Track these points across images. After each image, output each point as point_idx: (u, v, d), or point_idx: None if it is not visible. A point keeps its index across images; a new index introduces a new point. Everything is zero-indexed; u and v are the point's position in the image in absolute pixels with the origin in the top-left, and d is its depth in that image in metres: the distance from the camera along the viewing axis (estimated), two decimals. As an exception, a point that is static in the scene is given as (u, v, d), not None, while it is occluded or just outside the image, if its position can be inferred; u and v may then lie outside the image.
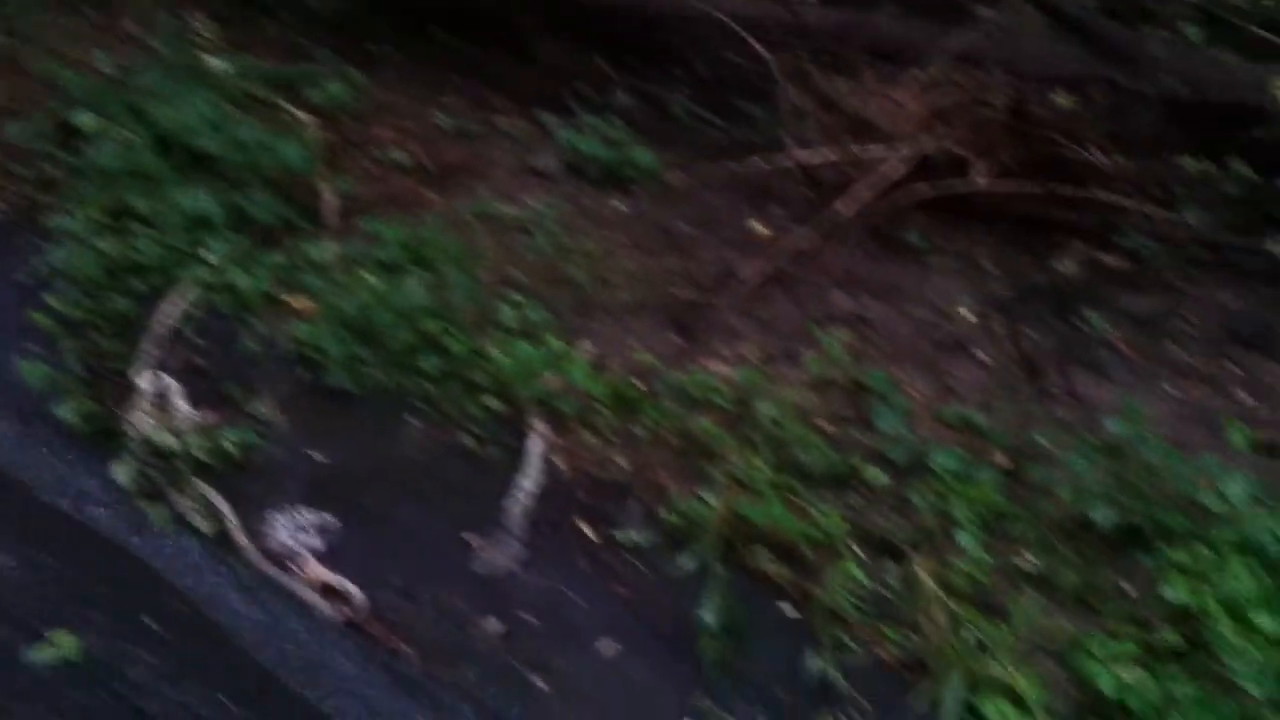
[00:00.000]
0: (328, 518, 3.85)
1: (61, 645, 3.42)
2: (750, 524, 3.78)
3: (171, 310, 4.40)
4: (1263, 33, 5.15)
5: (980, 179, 5.11)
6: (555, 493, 3.97)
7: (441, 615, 3.64)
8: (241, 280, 4.49)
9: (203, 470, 3.97)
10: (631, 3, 6.53)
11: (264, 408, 4.16)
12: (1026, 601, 3.60)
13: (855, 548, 3.76)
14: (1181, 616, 3.48)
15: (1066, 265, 5.10)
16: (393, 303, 4.32)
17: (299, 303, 4.47)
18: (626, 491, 3.98)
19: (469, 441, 4.10)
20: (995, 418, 4.29)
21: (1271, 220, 4.86)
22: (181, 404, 4.11)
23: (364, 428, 4.13)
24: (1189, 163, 4.82)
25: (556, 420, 4.16)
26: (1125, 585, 3.68)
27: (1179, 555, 3.59)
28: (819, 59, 5.49)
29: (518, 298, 4.57)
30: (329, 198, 5.00)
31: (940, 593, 3.57)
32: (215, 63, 5.56)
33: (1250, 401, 4.52)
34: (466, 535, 3.83)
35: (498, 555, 3.79)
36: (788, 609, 3.68)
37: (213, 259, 4.56)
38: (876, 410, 4.25)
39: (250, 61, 5.64)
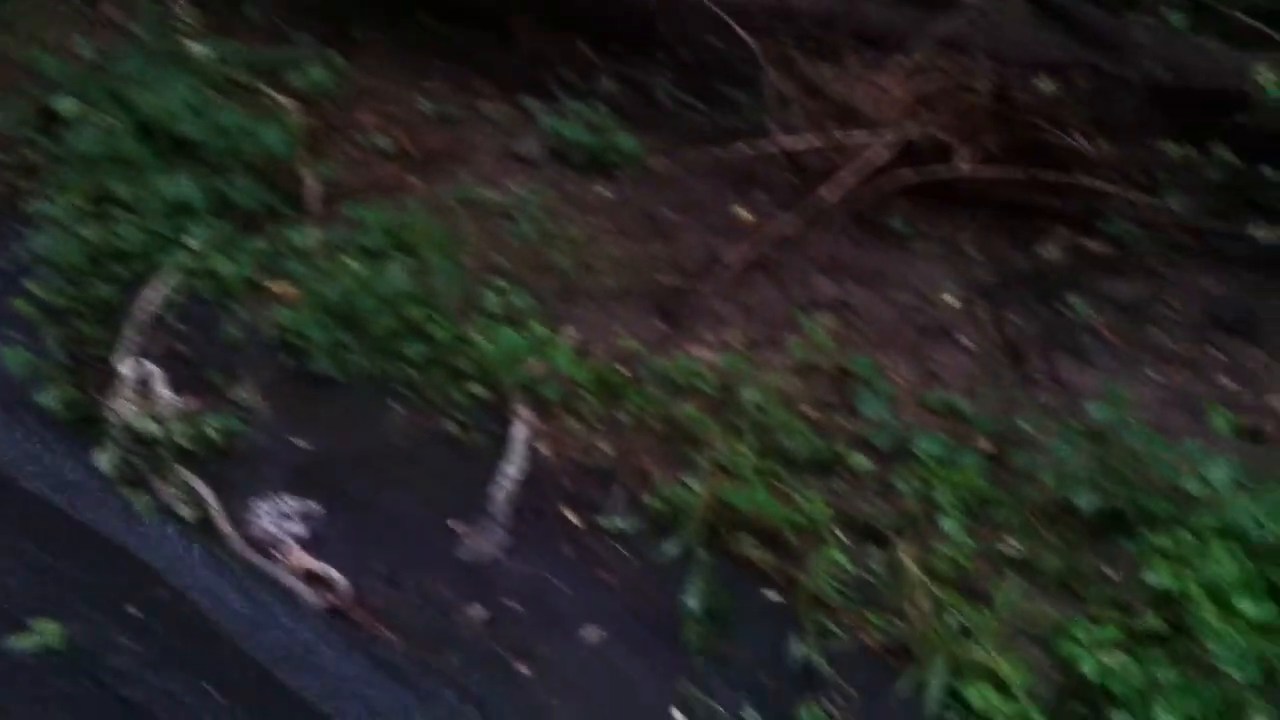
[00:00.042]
0: (311, 504, 3.84)
1: (44, 633, 3.41)
2: (735, 510, 3.78)
3: (153, 296, 4.38)
4: (1246, 19, 5.15)
5: (964, 165, 5.11)
6: (540, 479, 3.96)
7: (426, 602, 3.63)
8: (224, 266, 4.47)
9: (185, 457, 3.95)
10: (615, -13, 6.51)
11: (247, 394, 4.15)
12: (1010, 586, 3.61)
13: (839, 533, 3.77)
14: (1164, 601, 3.49)
15: (1050, 251, 5.11)
16: (376, 289, 4.31)
17: (281, 289, 4.45)
18: (611, 478, 3.98)
19: (453, 428, 4.10)
20: (979, 403, 4.30)
21: (1254, 205, 4.87)
22: (164, 390, 4.10)
23: (347, 414, 4.12)
24: (1172, 148, 4.82)
25: (541, 406, 4.16)
26: (1108, 570, 3.70)
27: (1161, 540, 3.61)
28: (804, 44, 5.47)
29: (502, 284, 4.56)
30: (311, 183, 4.97)
31: (924, 578, 3.58)
32: (196, 48, 5.52)
33: (1233, 386, 4.54)
34: (451, 522, 3.82)
35: (482, 542, 3.78)
36: (772, 595, 3.69)
37: (195, 245, 4.54)
38: (861, 396, 4.26)
39: (232, 46, 5.60)
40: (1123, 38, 5.41)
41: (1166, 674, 3.30)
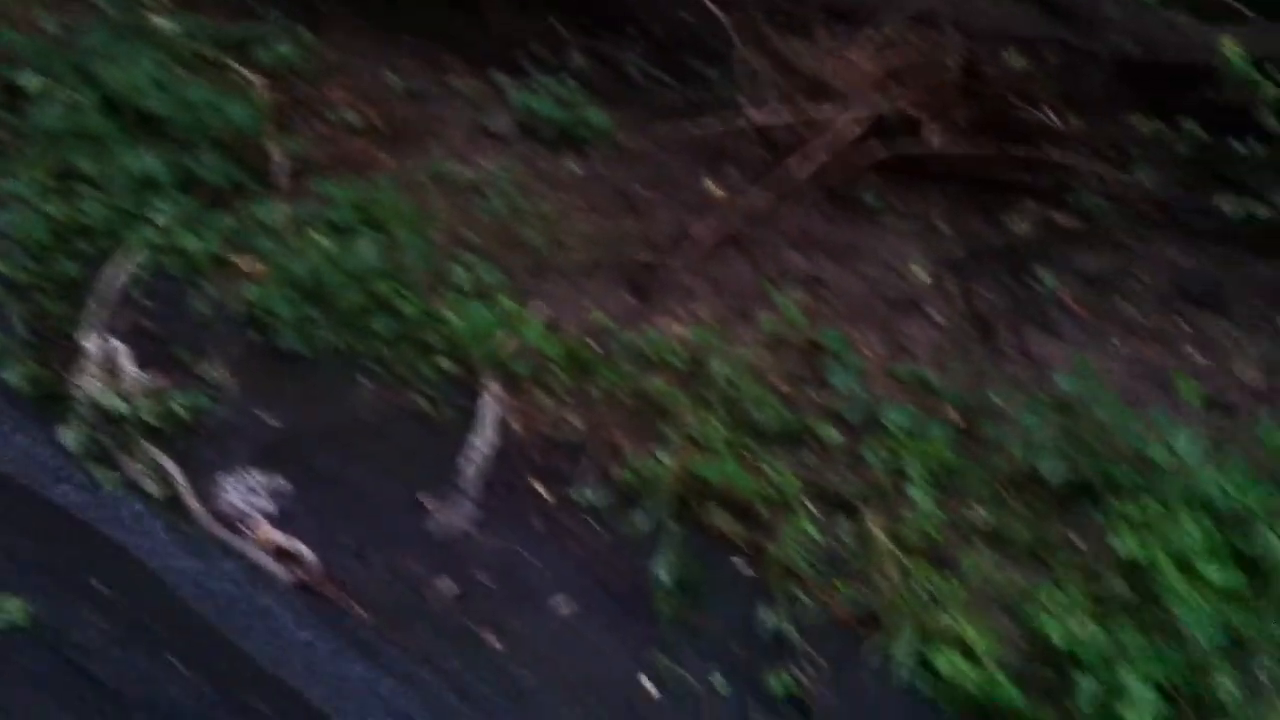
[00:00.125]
0: (280, 480, 3.82)
1: (9, 610, 3.39)
2: (705, 482, 3.79)
3: (119, 273, 4.34)
4: (1214, -7, 5.17)
5: (934, 139, 5.11)
6: (509, 453, 3.96)
7: (395, 576, 3.62)
8: (190, 242, 4.44)
9: (152, 434, 3.93)
10: (585, -37, 6.48)
11: (214, 370, 4.12)
12: (977, 555, 3.63)
13: (809, 504, 3.79)
14: (1131, 569, 3.52)
15: (1019, 224, 5.12)
16: (344, 264, 4.29)
17: (249, 265, 4.42)
18: (581, 451, 3.98)
19: (422, 403, 4.09)
20: (948, 375, 4.32)
21: (1222, 179, 4.88)
22: (130, 367, 4.06)
23: (316, 390, 4.10)
24: (1140, 122, 4.82)
25: (510, 381, 4.15)
26: (1075, 538, 3.72)
27: (1128, 509, 3.63)
28: (774, 19, 5.46)
29: (471, 259, 4.54)
30: (279, 159, 4.94)
31: (893, 548, 3.60)
32: (162, 22, 5.48)
33: (1200, 358, 4.56)
34: (420, 496, 3.82)
35: (452, 516, 3.78)
36: (742, 565, 3.70)
37: (161, 221, 4.51)
38: (831, 369, 4.27)
39: (198, 21, 5.56)
40: (1092, 12, 5.42)
41: (1133, 640, 3.33)
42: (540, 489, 3.88)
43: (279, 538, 3.65)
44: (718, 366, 4.14)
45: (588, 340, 4.30)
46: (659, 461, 3.83)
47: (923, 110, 5.16)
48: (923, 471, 3.85)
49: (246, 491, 3.78)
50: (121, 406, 3.95)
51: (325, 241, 4.43)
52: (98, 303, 4.24)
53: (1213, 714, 3.18)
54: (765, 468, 3.84)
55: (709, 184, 5.24)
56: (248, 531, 3.69)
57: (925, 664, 3.38)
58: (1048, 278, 4.82)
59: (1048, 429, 3.91)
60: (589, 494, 3.85)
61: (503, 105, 5.55)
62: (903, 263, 4.90)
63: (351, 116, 5.37)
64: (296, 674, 3.37)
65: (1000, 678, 3.29)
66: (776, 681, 3.38)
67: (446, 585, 3.60)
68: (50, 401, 4.03)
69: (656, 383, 4.12)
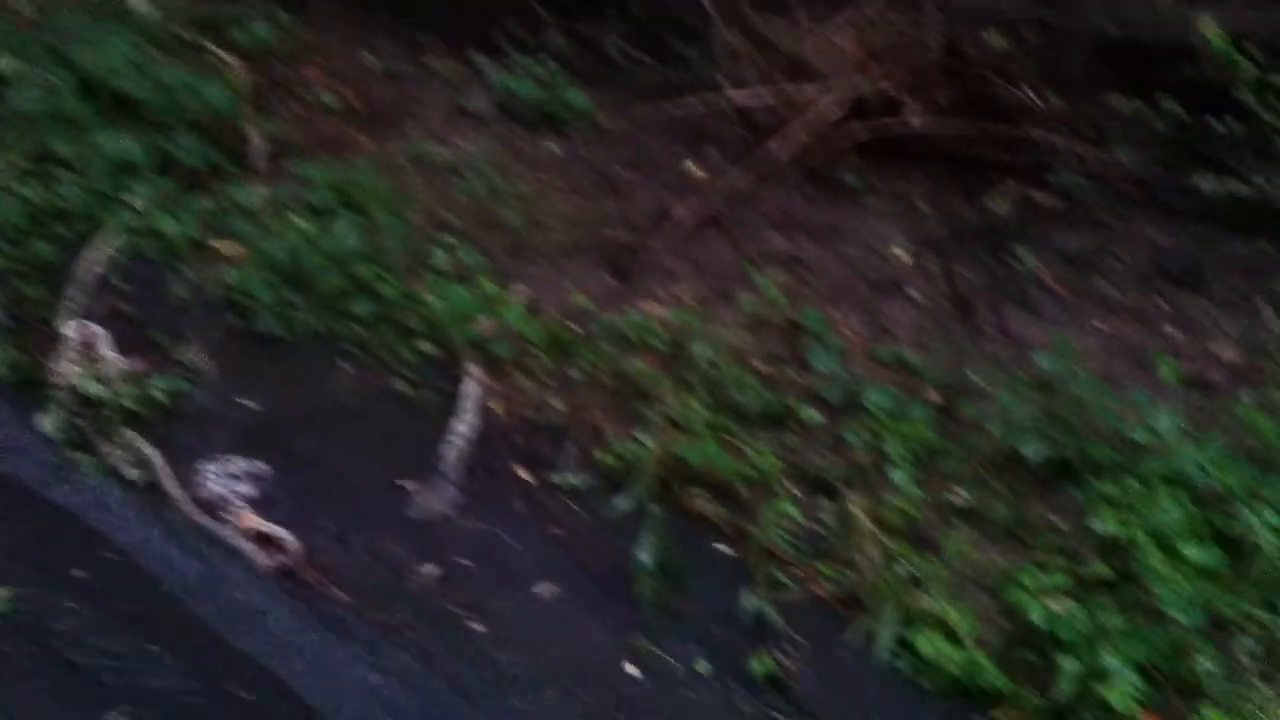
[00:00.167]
0: (260, 465, 3.80)
1: (-9, 597, 3.38)
2: (686, 464, 3.79)
3: (97, 257, 4.32)
4: (1192, -29, 5.16)
5: (914, 119, 5.11)
6: (491, 437, 3.96)
7: (377, 561, 3.62)
8: (168, 225, 4.43)
9: (132, 419, 3.91)
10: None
11: (193, 355, 4.10)
12: (959, 536, 3.64)
13: (790, 486, 3.80)
14: (1111, 548, 3.53)
15: (999, 204, 5.12)
16: (323, 247, 4.28)
17: (227, 248, 4.41)
18: (562, 434, 3.98)
19: (403, 386, 4.08)
20: (928, 356, 4.32)
21: (1200, 158, 4.88)
22: (109, 352, 4.04)
23: (296, 374, 4.10)
24: (1120, 101, 4.82)
25: (491, 364, 4.14)
26: (1055, 518, 3.73)
27: (1108, 488, 3.64)
28: (754, -2, 5.45)
29: (450, 241, 4.53)
30: (256, 141, 4.91)
31: (874, 529, 3.60)
32: (139, 4, 5.44)
33: (1179, 337, 4.58)
34: (401, 480, 3.81)
35: (433, 500, 3.77)
36: (724, 548, 3.71)
37: (138, 204, 4.50)
38: (811, 350, 4.27)
39: (174, 2, 5.52)
40: (1071, -9, 5.42)
41: (1113, 619, 3.34)
42: (522, 472, 3.88)
43: (260, 523, 3.64)
44: (699, 348, 4.14)
45: (568, 322, 4.30)
46: (640, 444, 3.83)
47: (903, 90, 5.16)
48: (903, 452, 3.86)
49: (227, 476, 3.77)
50: (100, 391, 3.93)
51: (304, 224, 4.42)
52: (76, 287, 4.22)
53: (1193, 694, 3.19)
54: (746, 449, 3.84)
55: (689, 165, 5.22)
56: (228, 517, 3.67)
57: (906, 645, 3.39)
58: (1028, 257, 4.83)
59: (1028, 408, 3.91)
60: (570, 477, 3.85)
61: (481, 86, 5.53)
62: (883, 243, 4.90)
63: (329, 98, 5.34)
64: (278, 659, 3.36)
65: (981, 658, 3.30)
66: (758, 663, 3.38)
67: (428, 569, 3.60)
68: (28, 387, 4.02)
69: (637, 365, 4.12)
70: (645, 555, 3.60)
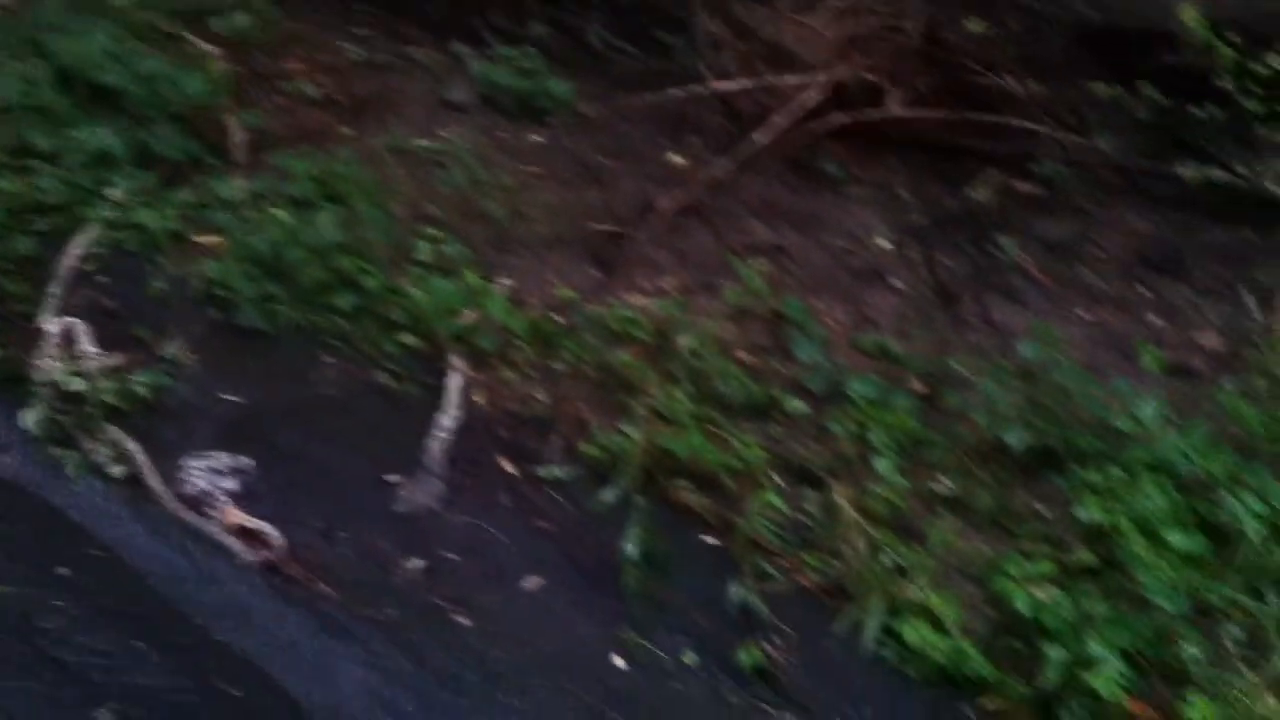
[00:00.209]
0: (243, 459, 3.78)
1: (-27, 595, 3.36)
2: (671, 456, 3.79)
3: (77, 251, 4.30)
4: (1172, -42, 5.17)
5: (895, 107, 5.12)
6: (475, 429, 3.95)
7: (362, 555, 3.60)
8: (148, 218, 4.41)
9: (114, 414, 3.88)
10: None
11: (175, 349, 4.08)
12: (943, 525, 3.65)
13: (775, 477, 3.80)
14: (1095, 536, 3.54)
15: (980, 192, 5.13)
16: (305, 239, 4.26)
17: (208, 241, 4.39)
18: (547, 427, 3.97)
19: (387, 379, 4.07)
20: (911, 345, 4.34)
21: (1181, 145, 4.90)
22: (89, 347, 4.02)
23: (278, 367, 4.08)
24: (1100, 88, 4.83)
25: (475, 356, 4.13)
26: (1040, 507, 3.75)
27: (1092, 476, 3.66)
28: (735, -14, 5.44)
29: (433, 233, 4.52)
30: (237, 132, 4.89)
31: (859, 519, 3.61)
32: (116, -6, 5.40)
33: (1160, 324, 4.60)
34: (386, 474, 3.80)
35: (418, 494, 3.76)
36: (710, 539, 3.71)
37: (118, 197, 4.47)
38: (795, 340, 4.28)
39: (153, -8, 5.48)
40: (1051, -23, 5.42)
41: (1098, 607, 3.35)
42: (507, 465, 3.87)
43: (244, 518, 3.63)
44: (683, 339, 4.14)
45: (552, 314, 4.30)
46: (626, 436, 3.83)
47: (884, 77, 5.18)
48: (888, 441, 3.86)
49: (210, 471, 3.75)
50: (82, 387, 3.90)
51: (285, 216, 4.40)
52: (56, 281, 4.20)
53: (1179, 680, 3.20)
54: (731, 440, 3.84)
55: (671, 154, 5.22)
56: (212, 512, 3.66)
57: (893, 634, 3.40)
58: (1009, 245, 4.84)
59: (1011, 397, 3.92)
60: (556, 470, 3.84)
61: (463, 76, 5.52)
62: (865, 232, 4.91)
63: (310, 88, 5.32)
64: (264, 654, 3.35)
65: (967, 647, 3.31)
66: (745, 654, 3.38)
67: (414, 563, 3.59)
68: (10, 383, 3.98)
69: (622, 356, 4.12)
70: (631, 547, 3.60)
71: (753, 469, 3.78)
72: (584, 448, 3.88)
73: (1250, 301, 4.61)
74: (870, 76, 5.15)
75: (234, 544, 3.58)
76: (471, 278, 4.31)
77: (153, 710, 3.15)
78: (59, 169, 4.51)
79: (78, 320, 4.09)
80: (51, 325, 4.05)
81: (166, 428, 3.90)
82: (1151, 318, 4.62)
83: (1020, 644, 3.35)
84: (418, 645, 3.40)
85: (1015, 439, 3.83)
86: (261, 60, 5.43)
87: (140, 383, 3.95)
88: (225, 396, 3.99)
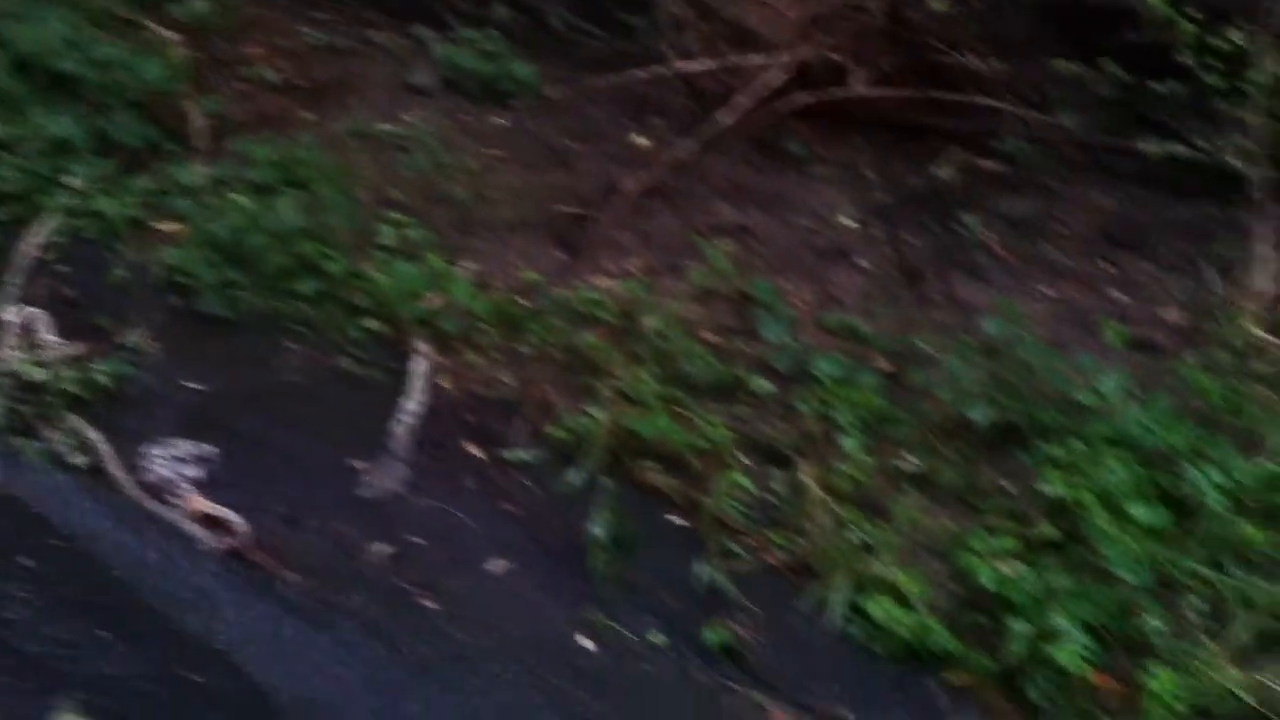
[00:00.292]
0: (206, 447, 3.76)
1: (-66, 587, 3.33)
2: (638, 437, 3.80)
3: (36, 239, 4.26)
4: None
5: (859, 86, 5.12)
6: (441, 413, 3.94)
7: (327, 541, 3.58)
8: (108, 206, 4.38)
9: (75, 403, 3.85)
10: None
11: (136, 337, 4.05)
12: (908, 502, 3.67)
13: (741, 456, 3.81)
14: (1058, 510, 3.56)
15: (944, 170, 5.14)
16: (266, 225, 4.23)
17: (169, 228, 4.36)
18: (513, 410, 3.97)
19: (350, 364, 4.06)
20: (877, 323, 4.35)
21: (1144, 121, 4.92)
22: (50, 336, 3.99)
23: (241, 354, 4.06)
24: (1063, 65, 4.84)
25: (440, 340, 4.12)
26: (1004, 482, 3.76)
27: (1055, 451, 3.67)
28: (697, -34, 5.43)
29: (397, 217, 4.50)
30: (197, 118, 4.86)
31: (825, 496, 3.62)
32: (73, -20, 5.34)
33: (1123, 299, 4.62)
34: (351, 460, 3.78)
35: (383, 478, 3.75)
36: (676, 519, 3.72)
37: (77, 184, 4.43)
38: (761, 320, 4.28)
39: (110, -22, 5.43)
40: (1013, -46, 5.43)
41: (1062, 580, 3.37)
42: (473, 448, 3.86)
43: (207, 505, 3.61)
44: (648, 320, 4.14)
45: (517, 297, 4.29)
46: (591, 418, 3.83)
47: (847, 56, 5.17)
48: (853, 420, 3.88)
49: (173, 459, 3.72)
50: (42, 376, 3.87)
51: (246, 202, 4.37)
52: (14, 271, 4.16)
53: (1141, 652, 3.23)
54: (697, 421, 3.85)
55: (636, 136, 5.21)
56: (175, 500, 3.63)
57: (859, 610, 3.41)
58: (973, 223, 4.85)
59: (975, 374, 3.94)
60: (522, 452, 3.84)
61: (426, 59, 5.49)
62: (830, 211, 4.91)
63: (271, 73, 5.29)
64: (230, 643, 3.32)
65: (932, 622, 3.32)
66: (712, 633, 3.39)
67: (380, 548, 3.58)
68: (-30, 374, 3.94)
69: (588, 338, 4.11)
70: (598, 529, 3.60)
71: (719, 449, 3.79)
72: (550, 430, 3.87)
73: (1211, 276, 4.64)
74: (834, 56, 5.14)
75: (198, 532, 3.56)
76: (435, 261, 4.29)
77: (117, 700, 3.11)
78: (16, 157, 4.47)
79: (38, 310, 4.06)
80: (11, 315, 4.01)
81: (129, 416, 3.87)
82: (1114, 293, 4.64)
83: (985, 619, 3.37)
84: (384, 630, 3.39)
85: (980, 415, 3.85)
86: (221, 46, 5.39)
87: (102, 371, 3.91)
88: (188, 384, 3.97)
